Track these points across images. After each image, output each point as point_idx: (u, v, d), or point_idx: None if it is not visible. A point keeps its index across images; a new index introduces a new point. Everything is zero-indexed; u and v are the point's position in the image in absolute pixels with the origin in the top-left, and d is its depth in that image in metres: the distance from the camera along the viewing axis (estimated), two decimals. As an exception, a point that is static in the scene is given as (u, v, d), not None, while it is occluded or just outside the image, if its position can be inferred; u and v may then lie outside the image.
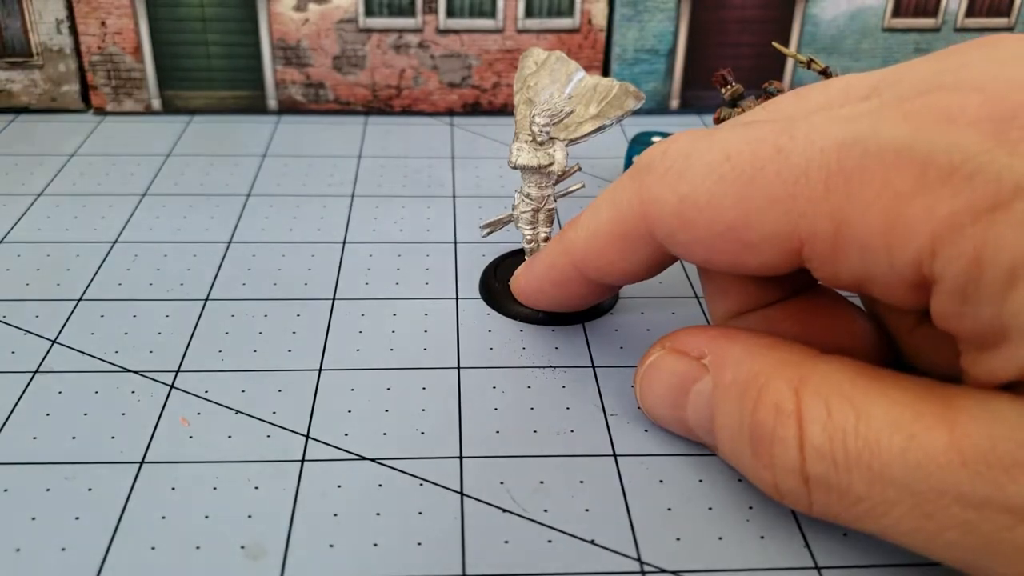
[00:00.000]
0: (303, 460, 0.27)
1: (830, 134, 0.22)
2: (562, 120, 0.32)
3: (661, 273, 0.29)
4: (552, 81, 0.34)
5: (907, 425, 0.21)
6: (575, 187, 0.35)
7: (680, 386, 0.27)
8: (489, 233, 0.35)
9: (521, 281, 0.33)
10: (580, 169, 0.34)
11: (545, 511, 0.26)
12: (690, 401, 0.26)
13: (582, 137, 0.33)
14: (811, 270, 0.23)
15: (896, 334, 0.27)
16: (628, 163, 0.44)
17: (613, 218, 0.27)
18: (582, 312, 0.34)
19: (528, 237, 0.35)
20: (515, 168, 0.33)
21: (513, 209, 0.35)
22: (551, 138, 0.32)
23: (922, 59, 0.23)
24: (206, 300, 0.35)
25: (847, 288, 0.23)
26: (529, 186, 0.34)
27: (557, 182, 0.34)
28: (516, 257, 0.37)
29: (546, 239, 0.35)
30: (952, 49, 0.23)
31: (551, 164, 0.33)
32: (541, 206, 0.34)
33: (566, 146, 0.33)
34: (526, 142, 0.33)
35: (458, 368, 0.32)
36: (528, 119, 0.32)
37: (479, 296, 0.36)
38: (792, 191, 0.22)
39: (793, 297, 0.28)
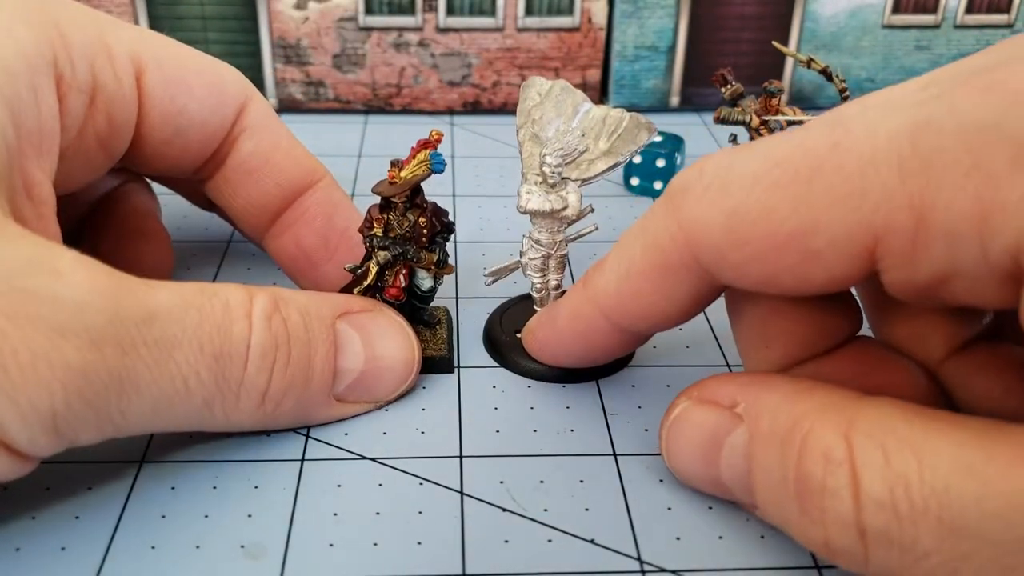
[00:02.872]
0: (303, 460, 0.27)
1: (894, 121, 0.20)
2: (575, 159, 0.30)
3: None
4: (558, 114, 0.31)
5: (979, 469, 0.19)
6: (587, 229, 0.32)
7: (712, 440, 0.24)
8: (494, 282, 0.32)
9: (539, 336, 0.30)
10: (593, 210, 0.31)
11: (545, 511, 0.26)
12: (724, 455, 0.24)
13: (595, 176, 0.30)
14: (883, 273, 0.21)
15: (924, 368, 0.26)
16: (628, 164, 0.44)
17: (648, 252, 0.24)
18: (598, 368, 0.31)
19: (538, 286, 0.32)
20: (525, 213, 0.30)
21: (521, 256, 0.31)
22: (563, 179, 0.30)
23: (974, 55, 0.21)
24: (206, 299, 0.35)
25: (921, 293, 0.21)
26: (539, 231, 0.31)
27: (568, 225, 0.31)
28: (522, 304, 0.34)
29: (557, 287, 0.32)
30: (1006, 41, 0.21)
31: (565, 208, 0.30)
32: (552, 252, 0.31)
33: (579, 187, 0.30)
34: (536, 184, 0.30)
35: (458, 368, 0.32)
36: (537, 158, 0.30)
37: (484, 347, 0.33)
38: (859, 185, 0.20)
39: (842, 347, 0.25)
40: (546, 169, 0.29)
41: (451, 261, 0.30)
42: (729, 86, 0.37)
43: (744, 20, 0.52)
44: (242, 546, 0.24)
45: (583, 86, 0.53)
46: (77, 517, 0.25)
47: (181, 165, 0.32)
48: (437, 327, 0.32)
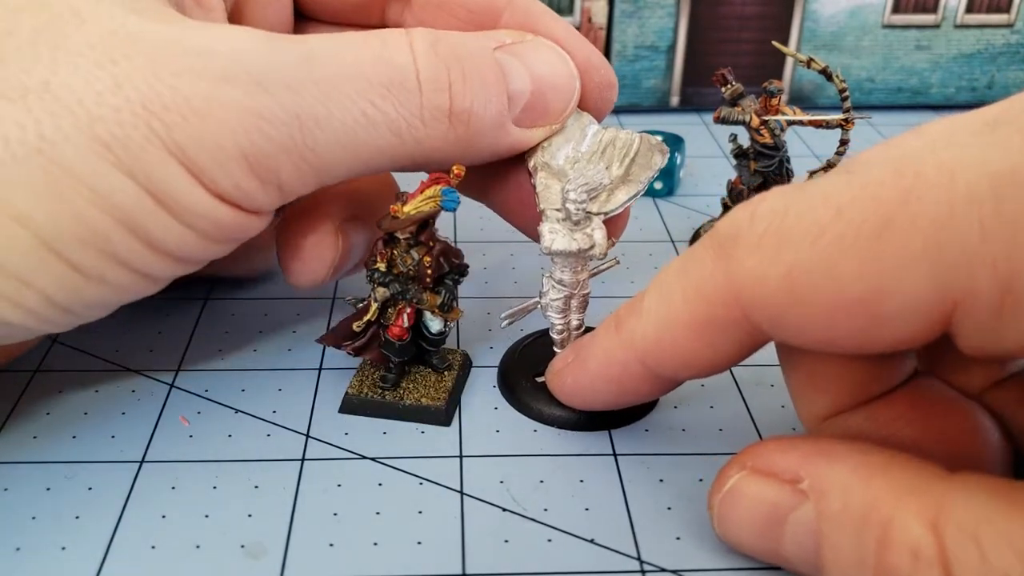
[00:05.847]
0: (303, 459, 0.27)
1: (971, 167, 0.18)
2: (599, 193, 0.28)
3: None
4: (566, 140, 0.29)
5: None
6: (608, 264, 0.30)
7: (773, 516, 0.22)
8: (510, 323, 0.30)
9: (568, 380, 0.28)
10: (615, 244, 0.29)
11: (545, 511, 0.26)
12: (788, 533, 0.22)
13: (617, 209, 0.28)
14: (958, 338, 0.19)
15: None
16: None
17: (692, 301, 0.22)
18: (624, 413, 0.29)
19: (559, 327, 0.30)
20: (549, 255, 0.28)
21: (540, 296, 0.30)
22: (586, 214, 0.28)
23: None
24: (206, 299, 0.35)
25: (1000, 358, 0.19)
26: (562, 271, 0.29)
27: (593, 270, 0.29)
28: (538, 344, 0.32)
29: (579, 327, 0.30)
30: None
31: (591, 248, 0.28)
32: (575, 292, 0.29)
33: (603, 220, 0.28)
34: (558, 222, 0.28)
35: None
36: (554, 191, 0.28)
37: (500, 392, 0.31)
38: (936, 241, 0.18)
39: (899, 388, 0.24)
40: (570, 206, 0.27)
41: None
42: (729, 86, 0.37)
43: (744, 20, 0.52)
44: (242, 546, 0.24)
45: (583, 86, 0.53)
46: (77, 517, 0.25)
47: None
48: (445, 373, 0.30)
